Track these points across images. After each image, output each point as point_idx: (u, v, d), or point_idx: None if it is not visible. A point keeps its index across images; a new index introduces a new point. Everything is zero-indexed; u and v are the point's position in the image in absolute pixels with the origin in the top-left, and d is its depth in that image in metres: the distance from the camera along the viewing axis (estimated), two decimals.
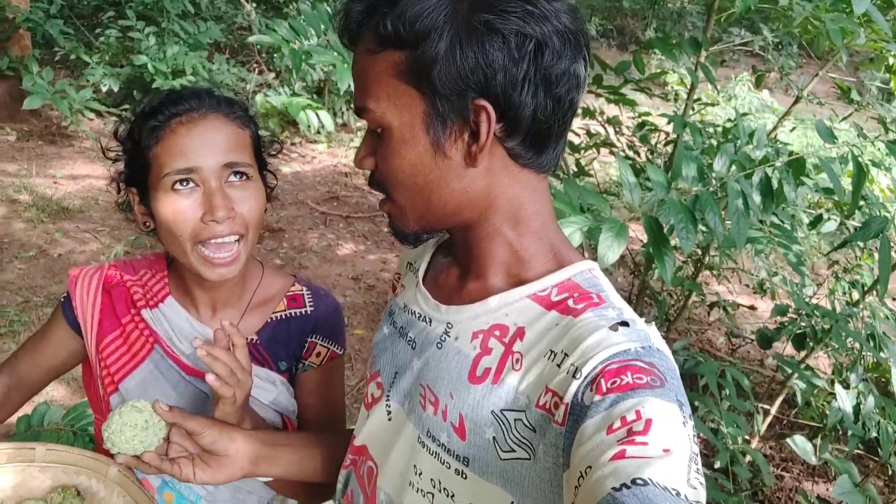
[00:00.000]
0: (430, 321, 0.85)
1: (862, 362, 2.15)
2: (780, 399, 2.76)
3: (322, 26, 2.74)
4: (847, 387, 2.01)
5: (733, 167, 1.52)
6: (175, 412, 0.92)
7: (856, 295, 2.54)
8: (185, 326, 1.15)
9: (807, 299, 2.44)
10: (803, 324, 2.52)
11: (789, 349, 2.78)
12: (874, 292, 2.42)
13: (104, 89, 6.17)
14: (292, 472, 1.02)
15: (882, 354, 2.32)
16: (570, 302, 0.75)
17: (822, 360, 3.56)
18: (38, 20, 5.89)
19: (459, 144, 0.73)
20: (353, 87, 0.80)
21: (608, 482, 0.55)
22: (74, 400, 2.97)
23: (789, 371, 2.67)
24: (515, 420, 0.72)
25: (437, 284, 0.89)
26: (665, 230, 1.49)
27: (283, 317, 1.21)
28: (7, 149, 5.59)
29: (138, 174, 1.05)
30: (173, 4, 6.77)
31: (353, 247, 4.78)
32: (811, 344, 2.41)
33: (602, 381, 0.64)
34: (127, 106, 6.74)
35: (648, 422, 0.59)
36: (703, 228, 2.94)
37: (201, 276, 1.05)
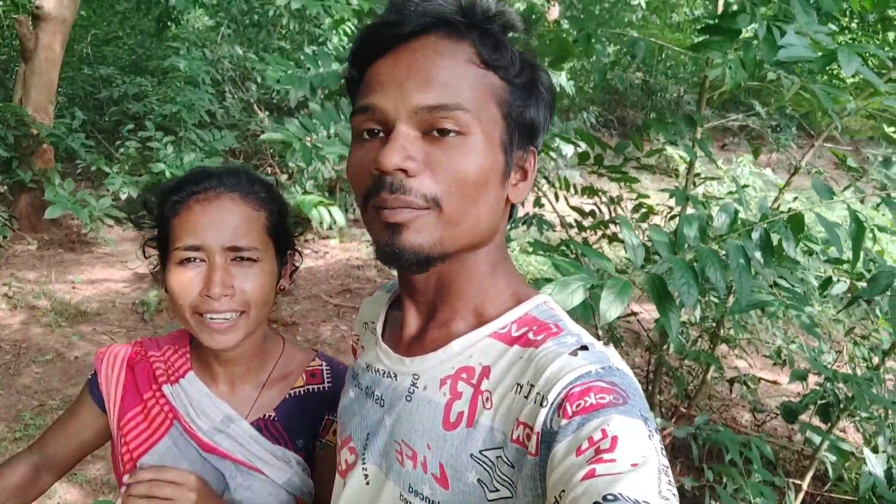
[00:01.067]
0: (396, 376, 0.85)
1: (890, 426, 2.08)
2: (811, 474, 2.66)
3: (331, 122, 2.87)
4: (876, 451, 1.94)
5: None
6: None
7: (876, 360, 2.50)
8: (204, 402, 1.15)
9: (826, 366, 2.40)
10: (825, 393, 2.46)
11: (815, 422, 2.71)
12: (893, 354, 2.38)
13: (123, 197, 6.38)
14: None
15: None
16: (530, 335, 0.76)
17: (850, 432, 3.45)
18: (61, 135, 6.17)
19: (511, 180, 0.79)
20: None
21: (581, 502, 0.56)
22: (87, 502, 2.92)
23: (817, 442, 2.59)
24: (497, 458, 0.71)
25: (396, 339, 0.89)
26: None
27: (302, 392, 1.20)
28: (28, 258, 5.73)
29: (162, 243, 1.11)
30: (190, 115, 7.10)
31: None
32: (836, 413, 2.35)
33: (567, 404, 0.65)
34: (145, 213, 6.96)
35: (615, 439, 0.60)
36: (715, 300, 2.94)
37: (203, 343, 1.07)
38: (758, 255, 1.43)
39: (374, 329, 0.94)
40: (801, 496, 2.68)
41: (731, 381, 3.49)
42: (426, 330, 0.84)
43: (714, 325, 2.98)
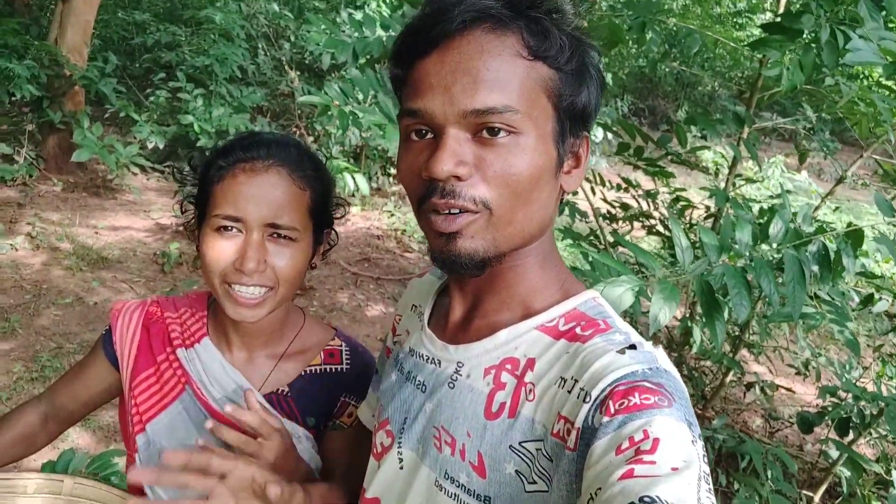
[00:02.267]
0: (440, 362, 0.84)
1: None
2: (824, 487, 2.64)
3: (371, 90, 2.82)
4: None
5: (787, 235, 1.50)
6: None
7: None
8: (217, 369, 1.14)
9: (855, 383, 2.36)
10: (847, 409, 2.43)
11: (832, 435, 2.67)
12: None
13: (150, 146, 6.38)
14: None
15: None
16: (578, 330, 0.76)
17: (862, 448, 3.42)
18: (94, 78, 6.15)
19: (563, 169, 0.77)
20: (459, 88, 0.71)
21: (616, 502, 0.55)
22: (99, 448, 2.95)
23: (834, 457, 2.57)
24: (537, 450, 0.71)
25: (441, 326, 0.88)
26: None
27: (318, 371, 1.19)
28: (52, 199, 5.75)
29: (201, 203, 1.09)
30: (222, 69, 7.06)
31: (383, 308, 4.77)
32: (858, 429, 2.31)
33: (610, 402, 0.64)
34: (170, 163, 6.99)
35: (656, 441, 0.59)
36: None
37: (226, 312, 1.05)
38: (815, 269, 1.39)
39: (421, 314, 0.94)
40: None
41: (749, 386, 3.45)
42: (471, 319, 0.84)
43: (738, 329, 2.94)
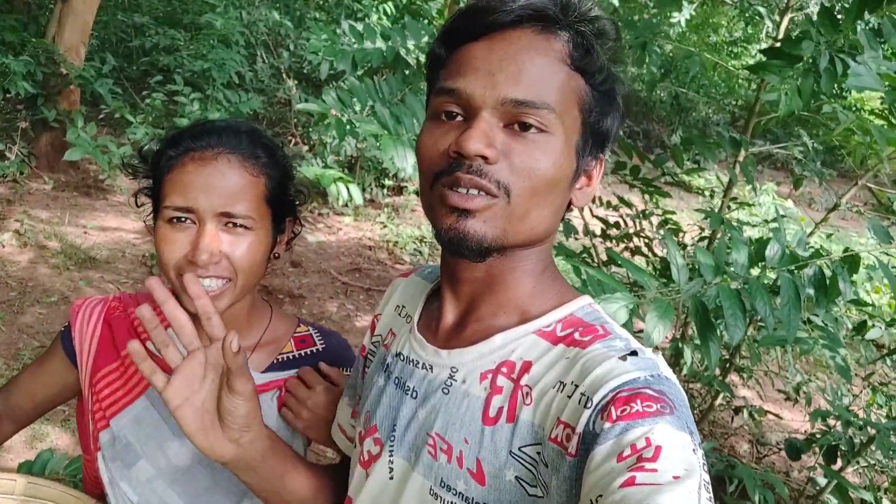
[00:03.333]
0: (431, 368, 0.82)
1: None
2: None
3: (368, 100, 2.81)
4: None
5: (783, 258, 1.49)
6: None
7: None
8: None
9: (847, 409, 2.36)
10: (836, 437, 2.42)
11: (816, 461, 2.66)
12: None
13: (144, 148, 6.33)
14: (268, 485, 0.91)
15: None
16: (576, 335, 0.75)
17: (849, 477, 3.40)
18: (90, 78, 6.12)
19: (579, 181, 0.79)
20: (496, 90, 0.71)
21: None
22: (79, 450, 2.89)
23: (822, 484, 2.55)
24: (537, 454, 0.70)
25: (432, 330, 0.86)
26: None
27: (291, 357, 1.18)
28: (42, 197, 5.70)
29: (154, 195, 1.06)
30: (220, 74, 7.05)
31: None
32: (847, 457, 2.30)
33: (612, 408, 0.64)
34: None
35: (658, 448, 0.59)
36: None
37: (184, 305, 1.01)
38: (811, 292, 1.38)
39: (409, 316, 0.92)
40: None
41: (737, 410, 3.44)
42: (465, 323, 0.82)
43: (729, 353, 2.94)
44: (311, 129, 7.64)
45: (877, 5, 2.17)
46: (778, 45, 2.48)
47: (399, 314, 0.97)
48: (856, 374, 3.78)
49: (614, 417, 0.63)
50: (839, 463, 2.49)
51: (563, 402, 0.69)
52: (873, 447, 2.32)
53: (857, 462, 2.51)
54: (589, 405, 0.66)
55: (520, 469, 0.71)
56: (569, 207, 0.82)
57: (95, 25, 6.98)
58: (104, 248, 5.02)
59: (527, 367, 0.75)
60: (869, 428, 2.35)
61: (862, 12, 2.17)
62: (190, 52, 7.49)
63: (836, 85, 2.28)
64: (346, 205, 6.41)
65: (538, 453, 0.70)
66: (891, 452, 1.90)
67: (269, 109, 8.22)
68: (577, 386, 0.69)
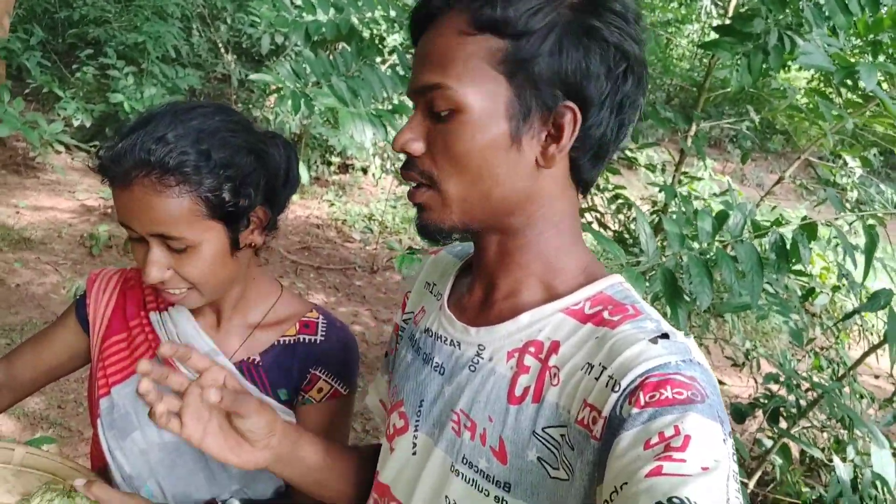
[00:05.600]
0: (459, 345, 0.81)
1: (852, 438, 2.16)
2: (758, 475, 2.75)
3: (323, 71, 2.76)
4: (844, 460, 2.01)
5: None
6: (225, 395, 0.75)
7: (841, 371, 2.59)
8: (190, 331, 1.10)
9: (797, 371, 2.48)
10: (781, 400, 2.54)
11: (761, 424, 2.79)
12: (850, 373, 2.46)
13: (76, 124, 6.06)
14: (312, 473, 0.91)
15: (857, 433, 2.35)
16: (605, 314, 0.73)
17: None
18: (16, 50, 5.80)
19: (535, 143, 0.72)
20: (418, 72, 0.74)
21: (642, 500, 0.54)
22: (25, 436, 2.79)
23: (768, 446, 2.67)
24: (561, 437, 0.69)
25: (461, 307, 0.85)
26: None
27: (292, 341, 1.14)
28: None
29: None
30: (156, 48, 6.78)
31: (324, 298, 4.70)
32: (793, 418, 2.42)
33: (641, 393, 0.62)
34: (97, 143, 6.66)
35: (687, 438, 0.57)
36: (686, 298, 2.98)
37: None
38: (772, 258, 1.43)
39: (439, 293, 0.91)
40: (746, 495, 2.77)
41: None
42: (493, 300, 0.81)
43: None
44: (251, 105, 7.45)
45: None
46: (729, 22, 2.54)
47: (430, 291, 0.96)
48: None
49: (643, 403, 0.61)
50: (784, 425, 2.61)
51: (590, 384, 0.68)
52: (817, 409, 2.45)
53: (799, 424, 2.64)
54: (617, 388, 0.64)
55: (542, 450, 0.70)
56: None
57: None
58: (39, 229, 4.80)
59: (555, 347, 0.73)
60: (810, 392, 2.48)
61: None
62: (122, 25, 7.17)
63: (783, 63, 2.36)
64: None
65: (562, 436, 0.69)
66: (836, 411, 2.00)
67: (206, 85, 7.96)
68: (604, 368, 0.67)
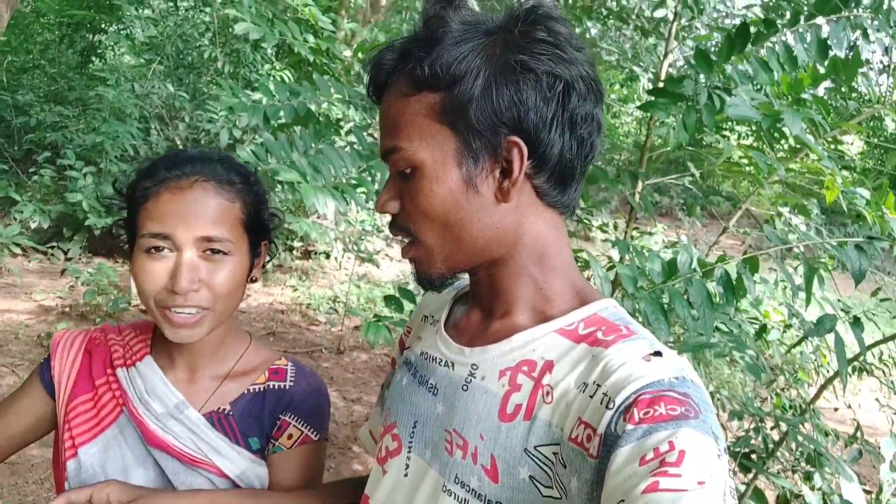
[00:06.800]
0: (453, 365, 0.83)
1: (822, 465, 2.20)
2: None
3: (283, 154, 2.85)
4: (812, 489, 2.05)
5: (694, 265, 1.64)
6: None
7: (802, 406, 2.65)
8: (158, 385, 1.10)
9: (760, 408, 2.53)
10: (747, 442, 2.58)
11: (735, 471, 2.81)
12: (811, 408, 2.53)
13: (33, 226, 6.04)
14: None
15: (827, 470, 2.39)
16: (599, 334, 0.74)
17: (761, 484, 3.59)
18: None
19: (490, 181, 0.75)
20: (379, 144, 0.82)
21: None
22: None
23: (741, 490, 2.69)
24: (554, 454, 0.70)
25: (458, 329, 0.88)
26: None
27: (262, 389, 1.15)
28: None
29: (129, 228, 1.06)
30: (114, 147, 6.86)
31: None
32: (763, 459, 2.46)
33: (635, 410, 0.63)
34: (54, 244, 6.61)
35: (682, 453, 0.58)
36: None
37: (165, 335, 1.03)
38: (720, 290, 1.52)
39: (436, 320, 0.93)
40: None
41: None
42: (489, 323, 0.84)
43: None
44: None
45: (742, 48, 2.46)
46: (661, 85, 2.73)
47: (425, 322, 0.98)
48: (755, 382, 4.03)
49: (637, 419, 0.62)
50: (752, 472, 2.65)
51: (584, 402, 0.68)
52: (784, 449, 2.49)
53: (769, 465, 2.67)
54: (611, 406, 0.65)
55: (534, 468, 0.70)
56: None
57: None
58: None
59: (549, 366, 0.74)
60: (775, 431, 2.53)
61: (731, 54, 2.45)
62: (79, 128, 7.27)
63: (716, 121, 2.53)
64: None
65: (555, 454, 0.69)
66: (803, 445, 2.05)
67: None
68: (598, 385, 0.68)
